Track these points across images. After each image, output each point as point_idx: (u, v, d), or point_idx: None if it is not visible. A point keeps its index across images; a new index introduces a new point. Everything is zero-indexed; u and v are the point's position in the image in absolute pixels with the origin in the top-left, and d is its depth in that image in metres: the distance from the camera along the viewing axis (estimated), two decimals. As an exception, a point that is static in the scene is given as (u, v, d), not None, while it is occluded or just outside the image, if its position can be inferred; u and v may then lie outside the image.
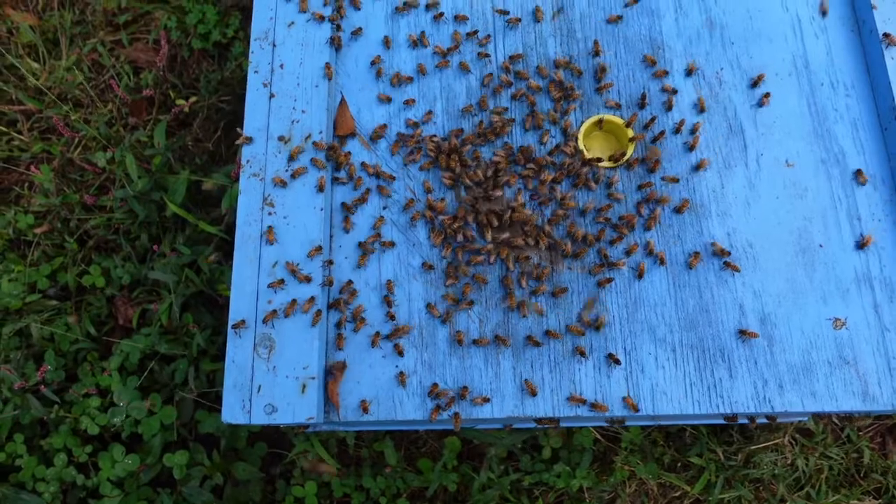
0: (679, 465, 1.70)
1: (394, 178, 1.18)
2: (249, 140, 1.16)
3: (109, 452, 1.59)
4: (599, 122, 1.20)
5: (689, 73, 1.22)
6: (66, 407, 1.64)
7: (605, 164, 1.18)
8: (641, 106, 1.21)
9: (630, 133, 1.18)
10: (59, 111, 1.86)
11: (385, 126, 1.20)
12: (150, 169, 1.71)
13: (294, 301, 1.08)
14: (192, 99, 1.86)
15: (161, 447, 1.61)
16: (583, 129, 1.19)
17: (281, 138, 1.16)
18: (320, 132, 1.17)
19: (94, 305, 1.73)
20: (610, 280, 1.12)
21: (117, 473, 1.58)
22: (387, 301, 1.12)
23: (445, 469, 1.65)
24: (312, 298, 1.09)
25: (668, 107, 1.20)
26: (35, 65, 1.92)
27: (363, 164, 1.20)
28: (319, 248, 1.11)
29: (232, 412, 1.05)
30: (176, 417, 1.61)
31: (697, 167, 1.17)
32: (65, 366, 1.68)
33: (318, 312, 1.08)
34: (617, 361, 1.08)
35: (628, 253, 1.14)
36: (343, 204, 1.17)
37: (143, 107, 1.86)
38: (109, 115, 1.86)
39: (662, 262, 1.13)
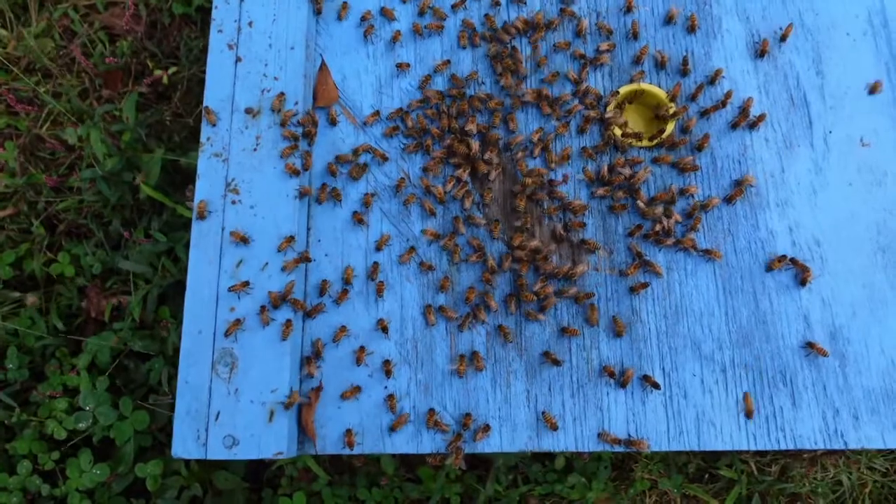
0: (706, 476, 1.47)
1: (387, 158, 0.94)
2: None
3: (77, 460, 1.38)
4: (634, 95, 0.95)
5: (760, 54, 0.97)
6: (31, 409, 1.42)
7: (643, 143, 0.93)
8: (683, 73, 0.96)
9: (672, 107, 0.93)
10: (28, 82, 1.61)
11: (377, 114, 0.95)
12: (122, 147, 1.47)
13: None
14: (172, 69, 1.61)
15: (134, 454, 1.39)
16: (614, 102, 0.94)
17: (248, 111, 0.92)
18: (296, 103, 0.92)
19: (65, 296, 1.51)
20: (645, 285, 0.88)
21: (85, 483, 1.37)
22: (356, 274, 0.88)
23: (448, 479, 1.43)
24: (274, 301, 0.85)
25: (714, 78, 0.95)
26: (2, 31, 1.67)
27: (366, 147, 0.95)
28: (291, 239, 0.87)
29: (184, 444, 0.82)
30: (150, 422, 1.39)
31: (755, 123, 0.92)
32: (31, 363, 1.47)
33: (289, 323, 0.84)
34: (655, 385, 0.84)
35: (660, 241, 0.89)
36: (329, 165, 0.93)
37: (119, 78, 1.62)
38: (81, 87, 1.62)
39: (715, 256, 0.88)
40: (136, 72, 1.65)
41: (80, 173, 1.45)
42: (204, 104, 0.92)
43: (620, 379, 0.84)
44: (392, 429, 0.82)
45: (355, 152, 0.93)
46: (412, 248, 0.89)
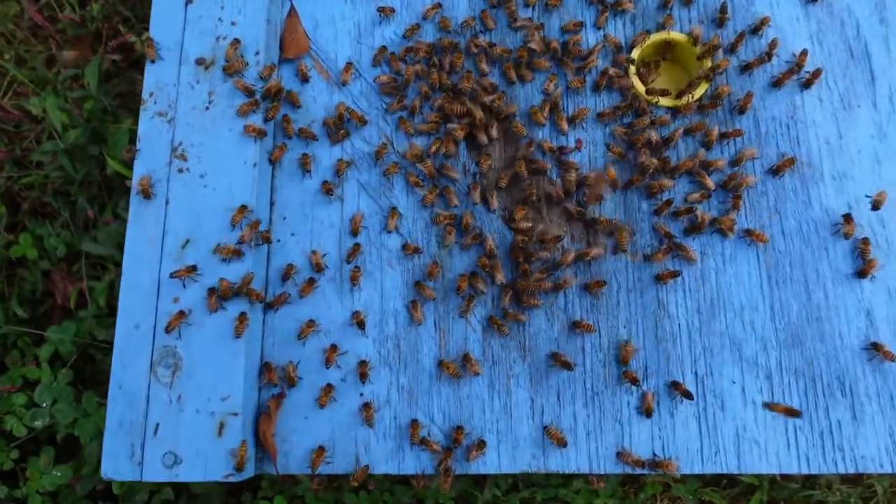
0: (724, 480, 1.31)
1: (365, 122, 0.77)
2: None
3: (38, 460, 1.23)
4: (664, 51, 0.78)
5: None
6: (-11, 403, 1.27)
7: (669, 100, 0.76)
8: (720, 22, 0.79)
9: (707, 62, 0.76)
10: (-9, 48, 1.44)
11: (351, 66, 0.78)
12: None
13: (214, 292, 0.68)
14: (146, 35, 1.44)
15: (99, 454, 1.24)
16: (637, 53, 0.77)
17: (200, 61, 0.74)
18: (257, 53, 0.75)
19: (28, 281, 1.35)
20: (675, 273, 0.71)
21: (45, 485, 1.22)
22: (326, 259, 0.71)
23: (442, 483, 1.27)
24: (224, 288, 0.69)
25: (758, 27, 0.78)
26: (-37, -6, 1.50)
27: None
28: (245, 209, 0.70)
29: (114, 463, 0.66)
30: (116, 420, 1.23)
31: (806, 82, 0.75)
32: (-10, 354, 1.31)
33: (243, 317, 0.68)
34: (686, 395, 0.68)
35: (696, 229, 0.72)
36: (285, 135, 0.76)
37: (89, 43, 1.45)
38: (48, 54, 1.45)
39: (761, 239, 0.71)
40: (108, 37, 1.48)
41: (40, 146, 1.29)
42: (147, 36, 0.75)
43: (641, 405, 0.67)
44: (353, 480, 0.66)
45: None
46: (394, 210, 0.73)
